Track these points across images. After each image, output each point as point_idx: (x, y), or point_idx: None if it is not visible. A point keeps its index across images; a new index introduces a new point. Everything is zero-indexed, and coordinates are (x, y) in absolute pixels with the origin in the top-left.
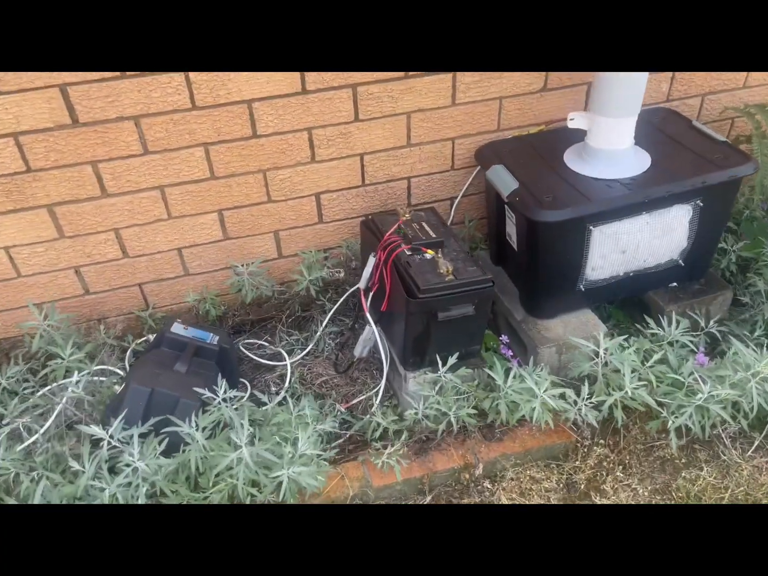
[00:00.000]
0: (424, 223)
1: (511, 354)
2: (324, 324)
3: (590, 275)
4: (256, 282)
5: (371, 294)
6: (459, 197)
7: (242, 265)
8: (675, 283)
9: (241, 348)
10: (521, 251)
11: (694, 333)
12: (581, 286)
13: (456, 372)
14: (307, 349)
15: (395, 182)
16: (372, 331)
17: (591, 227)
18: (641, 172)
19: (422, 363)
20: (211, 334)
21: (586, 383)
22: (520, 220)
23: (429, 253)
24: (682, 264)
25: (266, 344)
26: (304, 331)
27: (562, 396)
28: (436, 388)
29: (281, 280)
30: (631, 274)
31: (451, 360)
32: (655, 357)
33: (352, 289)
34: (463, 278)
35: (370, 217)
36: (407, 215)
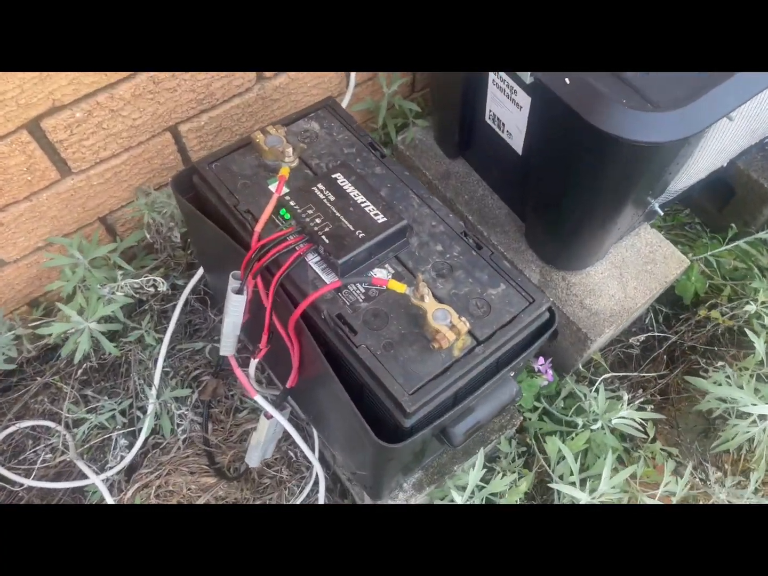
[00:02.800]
0: (324, 159)
1: (550, 366)
2: (157, 377)
3: (675, 186)
4: None
5: (255, 359)
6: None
7: None
8: None
9: None
10: (544, 162)
11: None
12: (655, 206)
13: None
14: (140, 441)
15: None
16: (273, 428)
17: None
18: None
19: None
20: None
21: None
22: (553, 117)
23: (396, 288)
24: None
25: (45, 430)
26: (119, 393)
27: None
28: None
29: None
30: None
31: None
32: None
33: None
34: (501, 341)
35: (194, 165)
36: (287, 151)
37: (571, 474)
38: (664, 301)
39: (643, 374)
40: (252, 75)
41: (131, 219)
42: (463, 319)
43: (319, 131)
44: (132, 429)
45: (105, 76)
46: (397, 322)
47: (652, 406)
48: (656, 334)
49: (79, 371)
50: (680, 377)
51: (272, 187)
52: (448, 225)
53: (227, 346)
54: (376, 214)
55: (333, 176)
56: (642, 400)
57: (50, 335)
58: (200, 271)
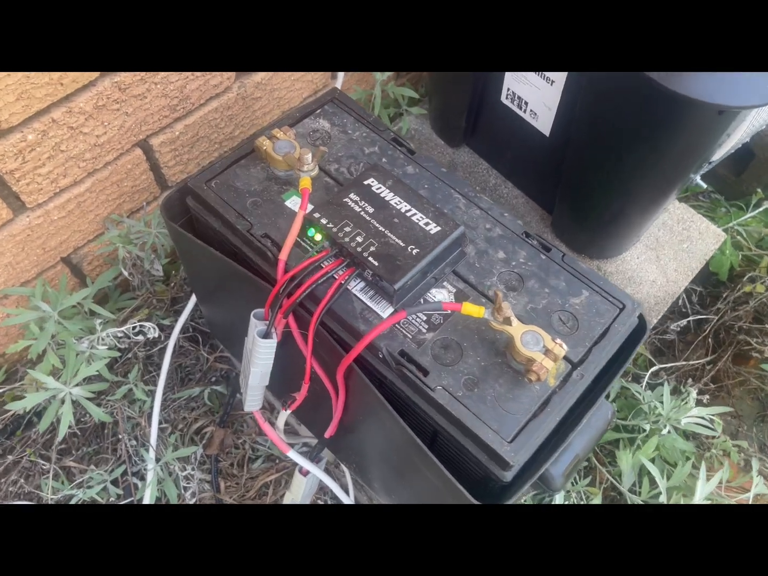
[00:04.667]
0: (344, 163)
1: None
2: (154, 436)
3: (716, 156)
4: None
5: (286, 411)
6: None
7: None
8: None
9: None
10: (587, 141)
11: None
12: (697, 179)
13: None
14: None
15: None
16: (310, 485)
17: None
18: None
19: None
20: None
21: None
22: (606, 89)
23: (472, 313)
24: None
25: None
26: (107, 459)
27: None
28: None
29: None
30: None
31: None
32: None
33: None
34: (598, 359)
35: (188, 184)
36: (305, 157)
37: (650, 489)
38: (695, 280)
39: (692, 362)
40: (230, 72)
41: (100, 255)
42: (558, 341)
43: (330, 130)
44: (130, 500)
45: (60, 86)
46: (474, 353)
47: (707, 397)
48: (696, 317)
49: (58, 440)
50: (730, 361)
51: (290, 204)
52: (505, 226)
53: (254, 400)
54: (426, 224)
55: (365, 182)
56: (695, 391)
57: (24, 408)
58: (189, 307)
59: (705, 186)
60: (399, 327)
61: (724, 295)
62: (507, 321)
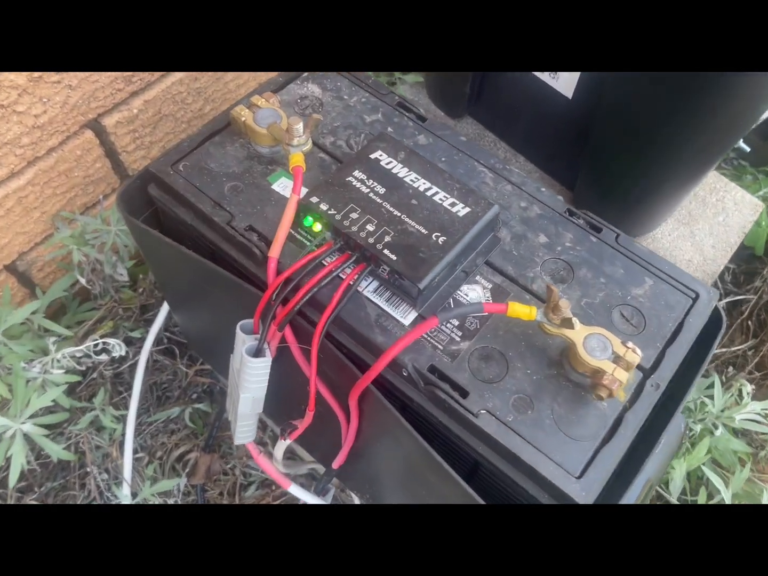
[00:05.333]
0: (341, 134)
1: None
2: (128, 470)
3: None
4: None
5: (285, 440)
6: None
7: None
8: None
9: None
10: (626, 104)
11: None
12: (740, 142)
13: None
14: None
15: None
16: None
17: None
18: None
19: None
20: None
21: None
22: None
23: (521, 315)
24: None
25: None
26: (74, 496)
27: None
28: None
29: None
30: None
31: None
32: None
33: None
34: (673, 363)
35: (150, 169)
36: (296, 128)
37: (707, 497)
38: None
39: (732, 348)
40: None
41: (52, 260)
42: (630, 345)
43: (321, 96)
44: None
45: None
46: (522, 365)
47: (753, 387)
48: (732, 298)
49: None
50: None
51: (279, 187)
52: (544, 204)
53: (245, 432)
54: (452, 204)
55: (372, 156)
56: (750, 386)
57: None
58: (161, 316)
59: (748, 149)
60: (426, 336)
61: (762, 272)
62: (566, 323)
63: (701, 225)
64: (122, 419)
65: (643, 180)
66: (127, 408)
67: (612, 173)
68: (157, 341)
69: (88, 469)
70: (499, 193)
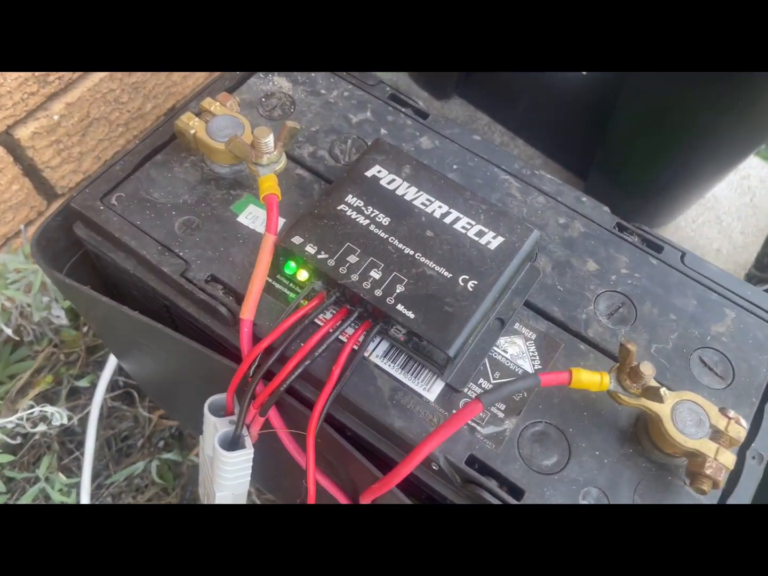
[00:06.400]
0: (322, 142)
1: None
2: None
3: None
4: None
5: None
6: None
7: None
8: None
9: None
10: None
11: None
12: None
13: None
14: None
15: None
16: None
17: None
18: None
19: None
20: None
21: None
22: None
23: (590, 386)
24: None
25: None
26: None
27: None
28: None
29: None
30: None
31: None
32: None
33: None
34: None
35: (72, 205)
36: (264, 142)
37: None
38: None
39: None
40: None
41: None
42: (731, 414)
43: (292, 91)
44: None
45: None
46: (588, 444)
47: None
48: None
49: None
50: None
51: (246, 220)
52: (587, 218)
53: None
54: (479, 233)
55: (368, 174)
56: None
57: None
58: (113, 359)
59: None
60: None
61: None
62: (651, 394)
63: (727, 208)
64: (75, 486)
65: (674, 167)
66: (80, 470)
67: (636, 160)
68: (112, 386)
69: None
70: (531, 208)
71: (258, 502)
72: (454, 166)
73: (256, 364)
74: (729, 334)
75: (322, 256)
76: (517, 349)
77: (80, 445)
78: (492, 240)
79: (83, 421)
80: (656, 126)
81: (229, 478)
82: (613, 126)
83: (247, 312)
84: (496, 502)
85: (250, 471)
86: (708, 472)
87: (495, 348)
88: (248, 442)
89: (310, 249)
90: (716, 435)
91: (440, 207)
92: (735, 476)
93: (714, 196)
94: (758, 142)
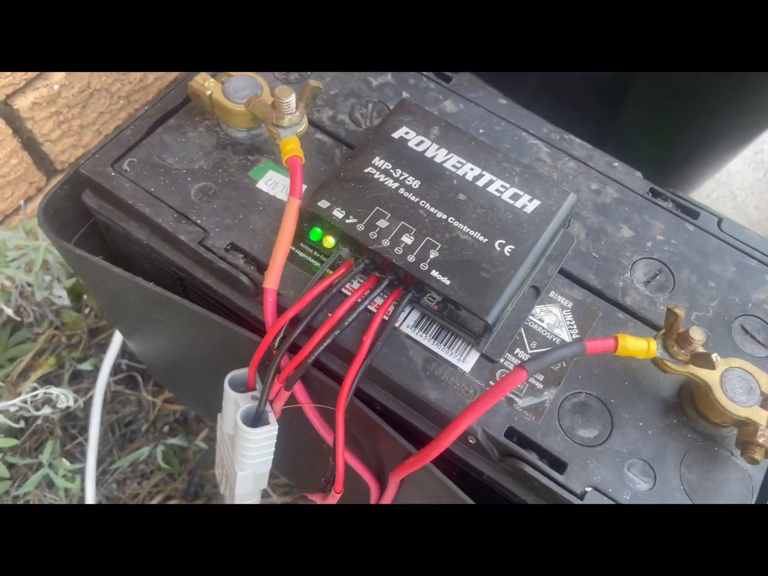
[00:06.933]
0: (341, 107)
1: None
2: None
3: None
4: None
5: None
6: None
7: None
8: None
9: None
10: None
11: None
12: None
13: None
14: None
15: None
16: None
17: None
18: None
19: None
20: None
21: None
22: None
23: (635, 353)
24: None
25: None
26: None
27: None
28: None
29: None
30: None
31: None
32: None
33: None
34: None
35: (81, 171)
36: (286, 102)
37: None
38: None
39: None
40: None
41: None
42: None
43: None
44: None
45: None
46: (630, 415)
47: None
48: None
49: None
50: None
51: (266, 185)
52: (620, 183)
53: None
54: (514, 196)
55: (395, 135)
56: None
57: None
58: (117, 340)
59: None
60: None
61: None
62: (701, 361)
63: (741, 183)
64: (79, 472)
65: (690, 142)
66: (84, 455)
67: (652, 135)
68: (115, 369)
69: None
70: (561, 173)
71: (268, 488)
72: (480, 131)
73: (281, 335)
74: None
75: (351, 220)
76: (553, 318)
77: (83, 430)
78: (528, 203)
79: (86, 406)
80: (672, 101)
81: (252, 456)
82: (629, 101)
83: (272, 281)
84: (537, 475)
85: (273, 449)
86: (761, 440)
87: (531, 317)
88: (272, 418)
89: (338, 213)
90: (766, 402)
91: (472, 169)
92: None
93: (728, 171)
94: None
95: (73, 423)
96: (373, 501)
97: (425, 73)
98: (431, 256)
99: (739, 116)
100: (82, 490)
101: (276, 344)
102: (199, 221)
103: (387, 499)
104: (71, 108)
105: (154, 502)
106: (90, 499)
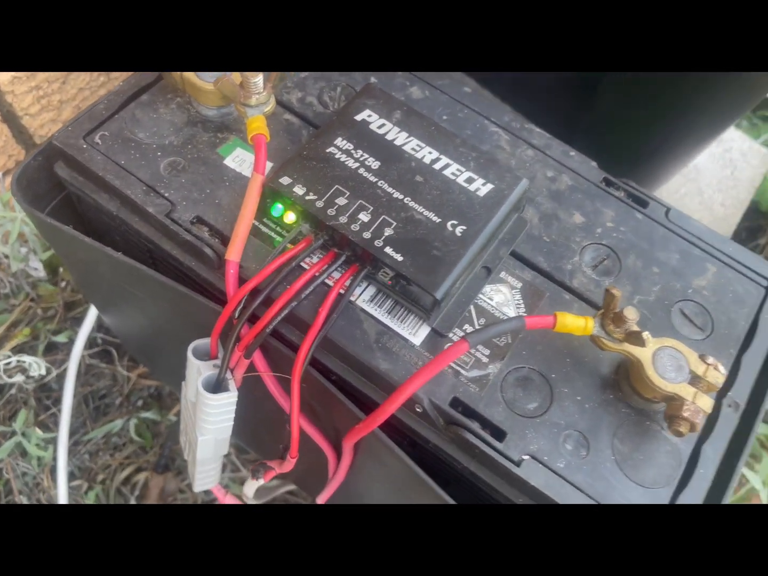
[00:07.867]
0: (310, 88)
1: None
2: (63, 499)
3: None
4: None
5: (257, 480)
6: None
7: None
8: None
9: None
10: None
11: None
12: None
13: None
14: None
15: None
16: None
17: None
18: None
19: None
20: None
21: None
22: None
23: (573, 329)
24: None
25: None
26: None
27: None
28: None
29: None
30: None
31: None
32: None
33: None
34: (752, 375)
35: (54, 142)
36: (253, 82)
37: None
38: None
39: None
40: None
41: None
42: (710, 361)
43: None
44: None
45: None
46: (570, 389)
47: None
48: None
49: None
50: None
51: (233, 162)
52: (575, 172)
53: (207, 477)
54: (469, 180)
55: (357, 118)
56: None
57: None
58: (92, 314)
59: None
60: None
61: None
62: (633, 339)
63: (708, 179)
64: (52, 441)
65: (658, 137)
66: (57, 426)
67: (621, 128)
68: (90, 343)
69: (17, 499)
70: (519, 160)
71: (237, 463)
72: (444, 117)
73: (241, 306)
74: (710, 287)
75: (311, 197)
76: (502, 297)
77: (57, 401)
78: (481, 187)
79: (60, 378)
80: (640, 98)
81: (212, 422)
82: (599, 97)
83: (234, 253)
84: (478, 443)
85: (233, 415)
86: (686, 414)
87: (480, 295)
88: (232, 385)
89: (299, 190)
90: (695, 380)
91: (430, 153)
92: (711, 423)
93: (696, 167)
94: (738, 113)
95: (47, 394)
96: (330, 470)
97: None
98: (386, 234)
99: (704, 114)
100: (55, 459)
101: (237, 314)
102: (167, 194)
103: (343, 467)
104: (51, 83)
105: (126, 473)
106: (62, 469)
